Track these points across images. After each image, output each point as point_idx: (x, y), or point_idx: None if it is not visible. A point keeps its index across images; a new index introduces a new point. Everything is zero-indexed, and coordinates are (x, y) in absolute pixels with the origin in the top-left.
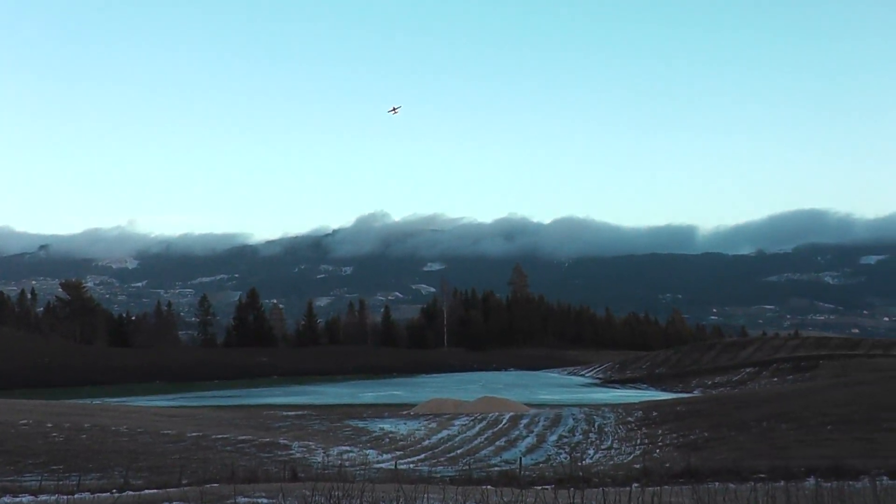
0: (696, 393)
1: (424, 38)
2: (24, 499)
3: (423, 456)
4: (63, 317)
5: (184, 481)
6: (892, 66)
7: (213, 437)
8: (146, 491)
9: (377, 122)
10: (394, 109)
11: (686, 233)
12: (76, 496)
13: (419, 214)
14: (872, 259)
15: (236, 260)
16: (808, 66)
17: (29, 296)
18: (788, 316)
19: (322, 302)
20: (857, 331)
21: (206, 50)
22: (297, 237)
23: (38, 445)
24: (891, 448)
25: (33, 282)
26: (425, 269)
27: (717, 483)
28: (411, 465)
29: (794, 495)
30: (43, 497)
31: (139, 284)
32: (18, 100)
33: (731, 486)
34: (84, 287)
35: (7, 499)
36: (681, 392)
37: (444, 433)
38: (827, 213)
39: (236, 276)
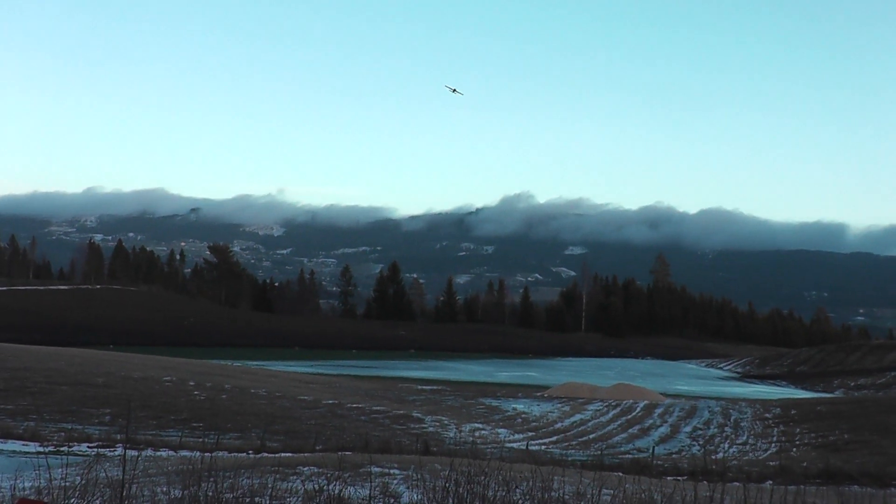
0: (838, 394)
1: (565, 16)
2: (164, 453)
3: (554, 438)
4: (209, 279)
5: (318, 447)
6: None
7: (349, 405)
8: (282, 454)
9: (528, 103)
10: (453, 90)
11: (836, 230)
12: (215, 454)
13: (564, 198)
14: None
15: (379, 233)
16: None
17: (178, 257)
18: None
19: (462, 279)
20: None
21: (360, 27)
22: (440, 214)
23: (181, 403)
24: None
25: (183, 244)
26: (567, 252)
27: (856, 486)
28: (543, 447)
29: None
30: (183, 453)
31: (284, 252)
32: (176, 69)
33: (874, 490)
34: (231, 251)
35: (149, 452)
36: (822, 392)
37: (577, 417)
38: None
39: (379, 248)
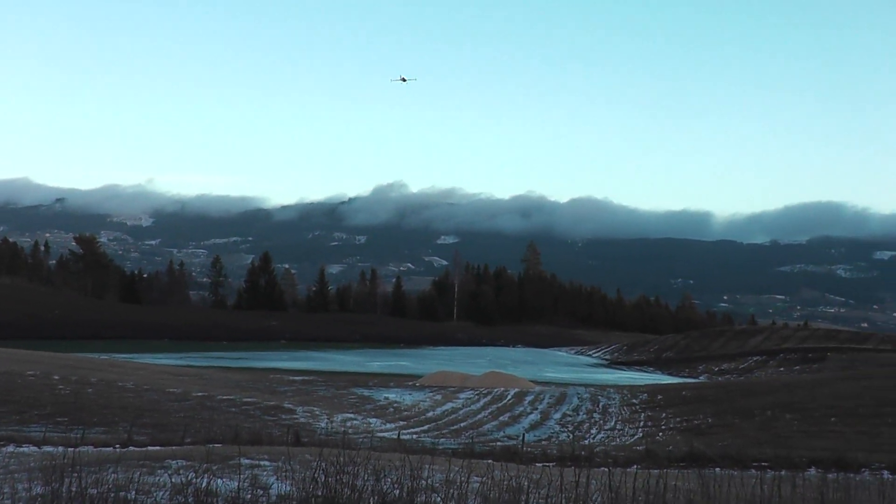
0: (703, 379)
1: (449, 8)
2: (27, 448)
3: (426, 427)
4: (75, 271)
5: (187, 440)
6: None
7: (219, 397)
8: (150, 447)
9: (400, 92)
10: (402, 79)
11: (702, 219)
12: (80, 449)
13: (437, 187)
14: (886, 254)
15: (251, 223)
16: (831, 57)
17: (42, 248)
18: (799, 307)
19: (334, 269)
20: (866, 325)
21: (229, 11)
22: (312, 203)
23: (45, 397)
24: (895, 443)
25: (47, 234)
26: (439, 241)
27: (718, 469)
28: (414, 436)
29: (800, 485)
30: (47, 448)
31: (153, 242)
32: (44, 52)
33: (734, 472)
34: (97, 242)
35: (11, 448)
36: (687, 377)
37: (449, 406)
38: (843, 206)
39: (250, 239)
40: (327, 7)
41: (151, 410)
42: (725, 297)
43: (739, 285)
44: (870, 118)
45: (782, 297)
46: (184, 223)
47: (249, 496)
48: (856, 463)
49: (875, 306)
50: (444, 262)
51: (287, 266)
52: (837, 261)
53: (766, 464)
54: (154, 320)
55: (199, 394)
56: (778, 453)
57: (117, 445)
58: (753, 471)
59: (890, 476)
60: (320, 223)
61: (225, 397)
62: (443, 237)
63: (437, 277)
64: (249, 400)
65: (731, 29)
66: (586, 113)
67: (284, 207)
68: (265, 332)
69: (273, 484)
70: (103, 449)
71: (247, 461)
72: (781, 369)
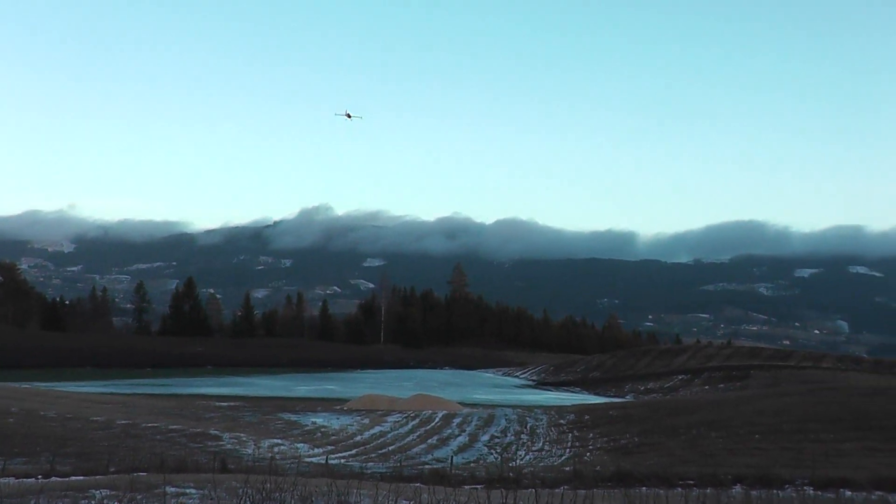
0: (629, 398)
1: (374, 35)
2: None
3: (354, 451)
4: None
5: (111, 469)
6: (829, 82)
7: (144, 425)
8: (73, 477)
9: (324, 116)
10: (347, 115)
11: (626, 239)
12: (0, 481)
13: (363, 210)
14: (806, 272)
15: (175, 248)
16: (749, 81)
17: None
18: (723, 325)
19: (260, 294)
20: (788, 342)
21: (154, 34)
22: (237, 227)
23: None
24: (817, 459)
25: None
26: (366, 264)
27: (645, 488)
28: (342, 461)
29: (725, 503)
30: None
31: (75, 269)
32: None
33: (661, 491)
34: (18, 269)
35: None
36: (614, 397)
37: (377, 429)
38: (764, 224)
39: (174, 264)
40: (250, 32)
41: (75, 439)
42: (650, 317)
43: (664, 304)
44: (788, 138)
45: (706, 315)
46: (106, 249)
47: None
48: (780, 479)
49: (797, 323)
50: (371, 285)
51: (212, 291)
52: (759, 279)
53: (692, 482)
54: (77, 347)
55: (124, 422)
56: (704, 471)
57: (39, 476)
58: (680, 489)
59: (813, 492)
60: (245, 247)
61: (150, 425)
62: (369, 260)
63: (363, 300)
64: (175, 427)
65: (647, 52)
66: (511, 135)
67: (209, 232)
68: (190, 358)
69: None
70: (25, 480)
71: (172, 489)
72: (706, 387)
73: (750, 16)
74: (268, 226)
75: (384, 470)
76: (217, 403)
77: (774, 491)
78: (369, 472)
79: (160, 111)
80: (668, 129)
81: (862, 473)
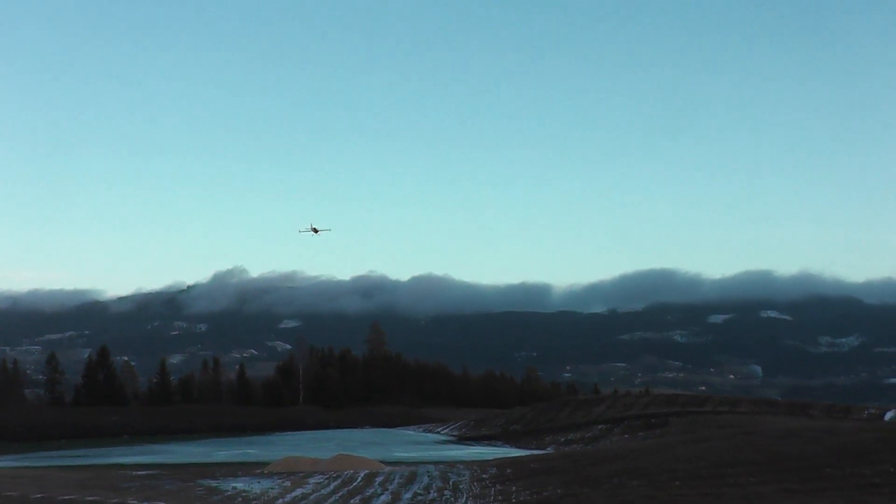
0: (550, 450)
1: (270, 94)
2: None
3: None
4: None
5: None
6: (731, 127)
7: (59, 498)
8: None
9: (235, 175)
10: (314, 230)
11: (541, 291)
12: None
13: (277, 271)
14: (719, 318)
15: (86, 316)
16: (657, 126)
17: None
18: (640, 373)
19: (176, 359)
20: (704, 388)
21: (49, 94)
22: (150, 293)
23: None
24: (736, 503)
25: None
26: (282, 325)
27: None
28: None
29: None
30: None
31: None
32: None
33: None
34: None
35: None
36: (535, 449)
37: (299, 492)
38: (676, 272)
39: (86, 332)
40: (150, 90)
41: None
42: (569, 367)
43: (581, 355)
44: (697, 185)
45: (623, 364)
46: (16, 320)
47: None
48: None
49: (712, 369)
50: (288, 347)
51: (126, 358)
52: (673, 326)
53: None
54: None
55: (38, 496)
56: None
57: None
58: None
59: None
60: (159, 313)
61: (66, 497)
62: (285, 321)
63: (281, 362)
64: (92, 499)
65: (547, 102)
66: (422, 192)
67: (121, 299)
68: (106, 427)
69: None
70: None
71: None
72: (626, 436)
73: (651, 60)
74: (181, 290)
75: None
76: (135, 472)
77: None
78: None
79: (65, 178)
80: (576, 182)
81: None
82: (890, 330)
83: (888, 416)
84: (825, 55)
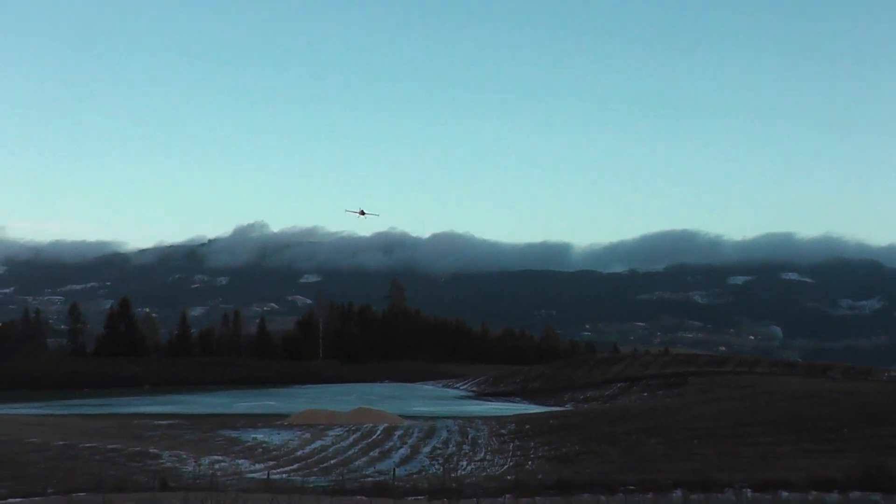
0: (568, 407)
1: (306, 53)
2: None
3: (295, 466)
4: None
5: (49, 490)
6: (754, 95)
7: (81, 445)
8: (10, 500)
9: (258, 129)
10: (361, 212)
11: (561, 250)
12: None
13: (298, 226)
14: (740, 279)
15: (108, 268)
16: (679, 88)
17: None
18: (659, 333)
19: (196, 312)
20: (724, 348)
21: (79, 48)
22: (171, 246)
23: None
24: (754, 462)
25: None
26: (302, 280)
27: (587, 495)
28: (284, 476)
29: None
30: None
31: (6, 291)
32: None
33: (602, 498)
34: None
35: None
36: (553, 406)
37: (318, 444)
38: (697, 234)
39: (108, 284)
40: (178, 49)
41: (10, 462)
42: (588, 327)
43: (601, 314)
44: (719, 148)
45: (642, 324)
46: (38, 270)
47: None
48: (718, 483)
49: (731, 330)
50: (308, 301)
51: (148, 310)
52: (694, 287)
53: (633, 488)
54: (10, 371)
55: (61, 443)
56: (644, 477)
57: None
58: (621, 495)
59: (752, 494)
60: (180, 266)
61: (87, 445)
62: (306, 276)
63: (301, 317)
64: (113, 447)
65: (571, 62)
66: (446, 148)
67: (143, 251)
68: (127, 377)
69: None
70: None
71: None
72: (645, 395)
73: (678, 30)
74: (202, 244)
75: (326, 484)
76: (156, 422)
77: (714, 494)
78: (311, 486)
79: (89, 132)
80: (599, 142)
81: (798, 475)
82: None
83: None
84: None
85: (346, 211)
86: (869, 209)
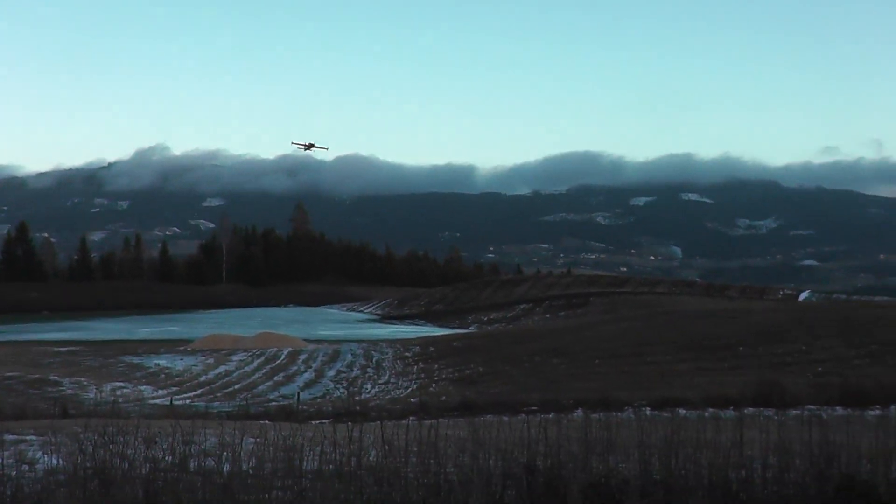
0: (473, 329)
1: None
2: None
3: (199, 392)
4: None
5: None
6: (655, 9)
7: None
8: None
9: (157, 49)
10: (308, 145)
11: (466, 172)
12: None
13: (201, 149)
14: (641, 200)
15: (4, 192)
16: (579, 14)
17: None
18: (562, 255)
19: (97, 236)
20: (625, 269)
21: None
22: (70, 169)
23: None
24: (654, 381)
25: None
26: (205, 204)
27: (490, 415)
28: (188, 401)
29: (565, 425)
30: None
31: None
32: None
33: (505, 418)
34: None
35: None
36: (458, 328)
37: (222, 369)
38: (600, 155)
39: (4, 208)
40: None
41: None
42: (492, 249)
43: (504, 236)
44: (621, 68)
45: (546, 245)
46: None
47: (15, 472)
48: (619, 401)
49: (632, 251)
50: (211, 225)
51: (46, 235)
52: (596, 209)
53: (535, 408)
54: None
55: None
56: (546, 397)
57: None
58: (524, 415)
59: (650, 412)
60: (79, 190)
61: None
62: (209, 200)
63: (204, 241)
64: (11, 374)
65: None
66: (348, 69)
67: (40, 175)
68: (25, 303)
69: (40, 458)
70: None
71: (11, 437)
72: (548, 316)
73: None
74: (102, 167)
75: (230, 409)
76: (55, 349)
77: (614, 413)
78: (215, 411)
79: None
80: (502, 62)
81: (695, 392)
82: (806, 212)
83: (803, 296)
84: None
85: (293, 143)
86: (766, 129)
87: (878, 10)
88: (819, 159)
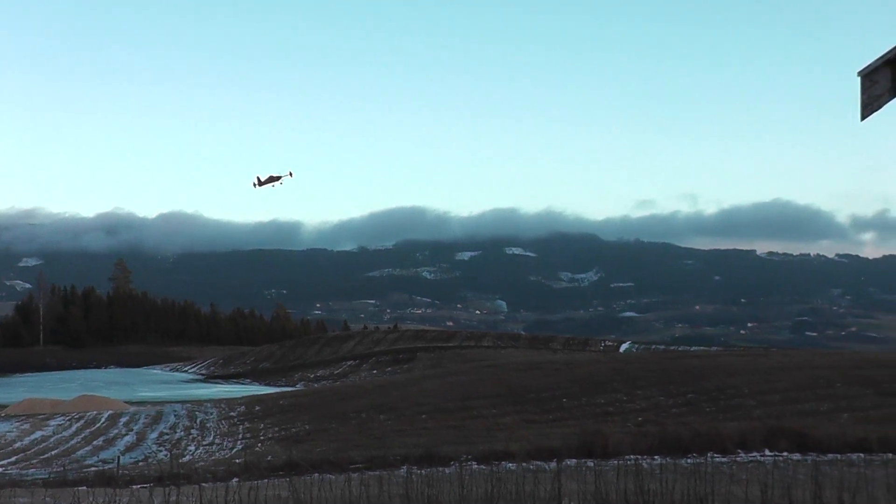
0: (300, 387)
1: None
2: None
3: (13, 459)
4: None
5: None
6: (490, 66)
7: None
8: None
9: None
10: (271, 179)
11: (291, 229)
12: None
13: (17, 207)
14: (466, 255)
15: None
16: (394, 78)
17: None
18: (389, 310)
19: None
20: (451, 323)
21: None
22: None
23: None
24: (479, 435)
25: None
26: (21, 264)
27: (316, 474)
28: (1, 469)
29: (387, 482)
30: None
31: None
32: None
33: (330, 476)
34: None
35: None
36: (284, 386)
37: (38, 434)
38: (425, 210)
39: None
40: None
41: None
42: (318, 305)
43: (331, 292)
44: (445, 128)
45: (372, 301)
46: None
47: None
48: (444, 457)
49: (458, 305)
50: (28, 286)
51: None
52: (422, 263)
53: (361, 465)
54: None
55: None
56: (373, 454)
57: None
58: (352, 473)
59: (476, 466)
60: None
61: None
62: (25, 259)
63: (20, 301)
64: None
65: (332, 47)
66: (171, 125)
67: None
68: None
69: None
70: None
71: None
72: (375, 372)
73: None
74: None
75: (46, 475)
76: None
77: (438, 468)
78: (29, 478)
79: None
80: (328, 122)
81: (520, 445)
82: (625, 265)
83: (623, 347)
84: None
85: (254, 185)
86: (586, 183)
87: (692, 67)
88: (636, 213)
